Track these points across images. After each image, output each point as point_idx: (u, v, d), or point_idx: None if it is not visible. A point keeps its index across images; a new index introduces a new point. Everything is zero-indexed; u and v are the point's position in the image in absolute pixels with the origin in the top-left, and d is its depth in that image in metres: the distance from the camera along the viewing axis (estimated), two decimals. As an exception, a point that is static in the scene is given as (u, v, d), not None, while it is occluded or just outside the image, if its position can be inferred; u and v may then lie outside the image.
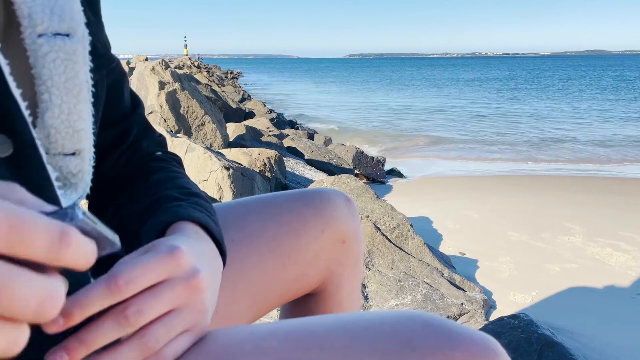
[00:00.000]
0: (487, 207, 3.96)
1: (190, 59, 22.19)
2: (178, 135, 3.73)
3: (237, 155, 3.77)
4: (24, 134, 0.43)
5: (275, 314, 1.75)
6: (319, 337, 0.47)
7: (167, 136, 3.51)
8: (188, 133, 4.58)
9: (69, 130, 0.50)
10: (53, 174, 0.48)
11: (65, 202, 0.51)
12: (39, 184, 0.44)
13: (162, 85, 4.75)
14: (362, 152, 6.13)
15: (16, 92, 0.42)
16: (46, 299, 0.25)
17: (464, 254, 2.92)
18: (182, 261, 0.44)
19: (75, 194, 0.54)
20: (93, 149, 0.55)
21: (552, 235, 3.30)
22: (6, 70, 0.41)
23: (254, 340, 0.47)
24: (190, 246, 0.47)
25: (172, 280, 0.43)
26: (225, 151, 3.95)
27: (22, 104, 0.43)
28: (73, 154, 0.51)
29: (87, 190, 0.55)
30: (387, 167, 6.19)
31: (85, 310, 0.37)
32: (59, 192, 0.47)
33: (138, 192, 0.61)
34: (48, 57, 0.48)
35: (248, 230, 0.72)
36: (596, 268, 2.76)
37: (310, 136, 7.76)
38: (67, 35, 0.50)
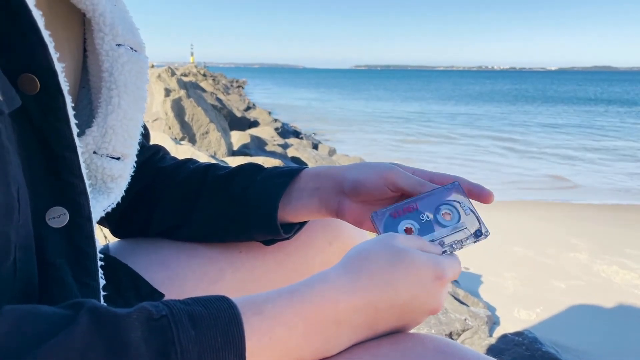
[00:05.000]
0: (492, 222, 3.92)
1: (196, 67, 22.31)
2: (182, 142, 3.73)
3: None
4: (83, 207, 0.47)
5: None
6: None
7: (172, 144, 3.50)
8: (192, 141, 4.57)
9: (124, 134, 0.54)
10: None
11: (95, 207, 0.53)
12: (87, 253, 0.48)
13: (167, 92, 4.75)
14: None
15: (84, 171, 0.46)
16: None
17: (468, 269, 2.89)
18: None
19: (107, 201, 0.56)
20: (135, 158, 0.58)
21: (557, 251, 3.27)
22: (79, 151, 0.45)
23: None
24: None
25: None
26: (229, 159, 3.94)
27: (87, 181, 0.46)
28: (118, 158, 0.55)
29: (119, 199, 0.57)
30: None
31: None
32: (91, 196, 0.49)
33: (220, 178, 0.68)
34: (126, 66, 0.53)
35: (255, 242, 0.70)
36: (602, 286, 2.73)
37: (315, 146, 7.76)
38: (136, 50, 0.55)
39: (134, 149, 0.57)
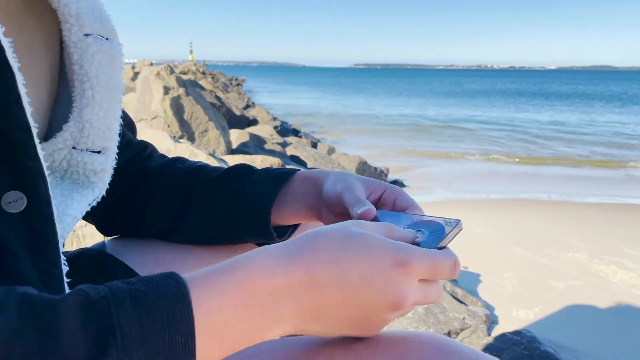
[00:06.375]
0: (491, 222, 3.94)
1: (195, 65, 22.27)
2: (181, 140, 3.72)
3: (240, 162, 3.75)
4: (41, 191, 0.44)
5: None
6: (323, 358, 0.45)
7: (170, 142, 3.50)
8: (191, 139, 4.57)
9: (102, 127, 0.52)
10: (62, 227, 0.50)
11: (80, 201, 0.53)
12: (47, 239, 0.45)
13: (166, 90, 4.75)
14: (365, 162, 6.12)
15: (40, 152, 0.43)
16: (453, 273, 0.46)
17: (467, 268, 2.89)
18: None
19: (92, 195, 0.55)
20: (117, 150, 0.56)
21: (556, 251, 3.27)
22: (34, 132, 0.43)
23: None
24: None
25: None
26: (228, 158, 3.94)
27: (44, 163, 0.44)
28: (99, 152, 0.53)
29: (104, 192, 0.56)
30: (390, 178, 6.18)
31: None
32: (75, 191, 0.48)
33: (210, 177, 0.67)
34: (96, 56, 0.51)
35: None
36: (600, 286, 2.73)
37: (314, 145, 7.75)
38: (107, 39, 0.53)
39: (114, 141, 0.56)
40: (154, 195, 0.68)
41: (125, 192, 0.68)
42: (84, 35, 0.51)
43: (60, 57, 0.55)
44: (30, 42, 0.41)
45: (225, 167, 0.69)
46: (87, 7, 0.52)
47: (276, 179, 0.63)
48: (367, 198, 0.58)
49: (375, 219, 0.54)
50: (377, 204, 0.59)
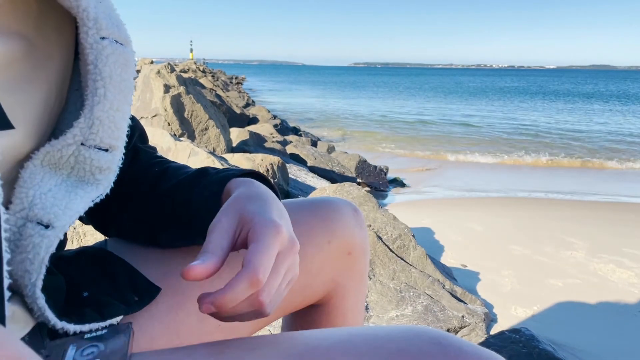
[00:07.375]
0: (490, 220, 3.94)
1: (195, 63, 22.25)
2: (181, 139, 3.73)
3: (240, 160, 3.76)
4: None
5: (276, 322, 1.73)
6: (323, 352, 0.46)
7: (171, 140, 3.50)
8: (191, 137, 4.58)
9: (111, 125, 0.54)
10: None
11: (84, 197, 0.53)
12: None
13: (167, 88, 4.75)
14: (365, 161, 6.13)
15: None
16: None
17: (466, 266, 2.90)
18: (284, 235, 0.49)
19: (96, 192, 0.55)
20: (124, 150, 0.57)
21: (555, 249, 3.28)
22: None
23: (255, 356, 0.46)
24: (271, 208, 0.53)
25: (281, 253, 0.49)
26: (228, 156, 3.94)
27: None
28: (107, 150, 0.54)
29: (107, 191, 0.57)
30: (389, 177, 6.19)
31: (234, 302, 0.45)
32: (79, 187, 0.48)
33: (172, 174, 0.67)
34: (110, 57, 0.53)
35: None
36: (599, 284, 2.74)
37: (314, 143, 7.76)
38: (122, 44, 0.55)
39: (122, 141, 0.57)
40: (132, 202, 0.68)
41: (114, 195, 0.68)
42: (100, 38, 0.52)
43: (74, 65, 0.56)
44: (45, 43, 0.41)
45: (195, 168, 0.68)
46: (104, 13, 0.53)
47: (219, 185, 0.62)
48: (238, 236, 0.52)
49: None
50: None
